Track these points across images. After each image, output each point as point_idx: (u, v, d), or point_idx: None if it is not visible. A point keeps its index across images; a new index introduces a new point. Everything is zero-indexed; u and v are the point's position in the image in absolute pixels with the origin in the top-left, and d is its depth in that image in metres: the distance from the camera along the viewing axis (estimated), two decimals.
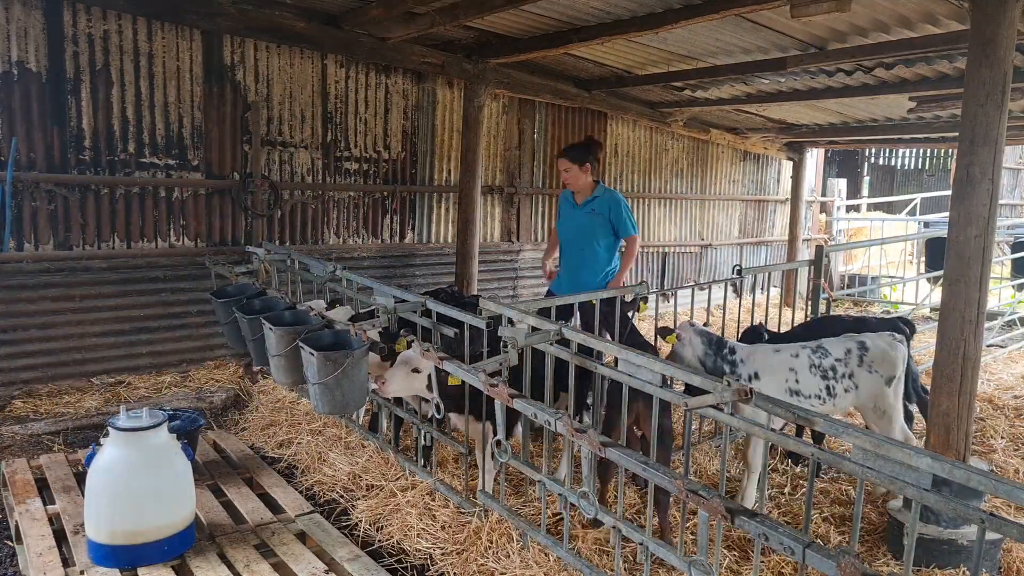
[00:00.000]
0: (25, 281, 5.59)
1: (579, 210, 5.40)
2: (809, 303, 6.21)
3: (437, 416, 3.90)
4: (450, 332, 3.96)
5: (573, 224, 5.45)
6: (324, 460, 4.57)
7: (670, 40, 6.40)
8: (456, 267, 7.67)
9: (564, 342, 3.39)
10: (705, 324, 4.47)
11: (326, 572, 3.19)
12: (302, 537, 3.52)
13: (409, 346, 3.86)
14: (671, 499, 3.61)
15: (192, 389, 5.94)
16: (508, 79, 7.73)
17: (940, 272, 4.20)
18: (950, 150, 16.12)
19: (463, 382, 3.61)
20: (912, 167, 22.26)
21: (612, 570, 3.20)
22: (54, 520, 3.55)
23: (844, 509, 4.12)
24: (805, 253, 11.83)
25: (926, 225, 13.42)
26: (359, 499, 4.08)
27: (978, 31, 3.43)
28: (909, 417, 4.45)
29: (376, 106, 7.39)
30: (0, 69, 5.38)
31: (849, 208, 15.26)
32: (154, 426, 3.19)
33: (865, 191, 20.41)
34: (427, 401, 4.09)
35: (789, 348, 4.08)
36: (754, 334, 4.67)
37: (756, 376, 3.95)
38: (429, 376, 3.84)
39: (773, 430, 2.67)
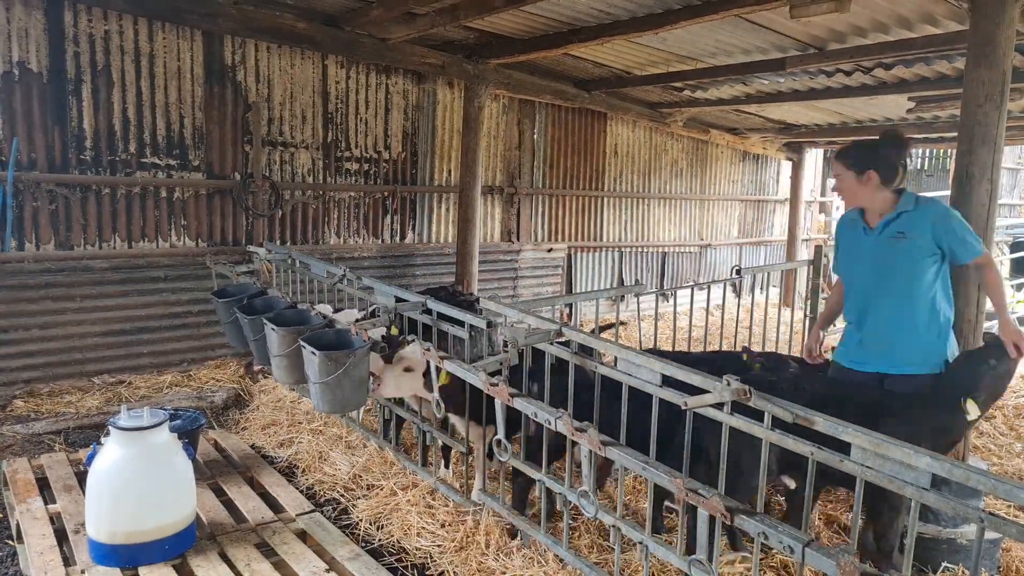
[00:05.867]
0: (26, 281, 5.60)
1: (874, 236, 3.50)
2: (808, 303, 6.22)
3: (438, 415, 3.91)
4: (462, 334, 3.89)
5: (868, 259, 3.52)
6: (325, 459, 4.58)
7: (670, 41, 6.41)
8: (456, 267, 7.69)
9: (563, 341, 3.39)
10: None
11: (327, 571, 3.19)
12: (303, 536, 3.53)
13: (407, 344, 3.87)
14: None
15: (193, 388, 5.95)
16: (508, 80, 7.74)
17: None
18: (950, 150, 16.12)
19: (464, 385, 3.62)
20: (912, 167, 22.30)
21: (611, 571, 3.21)
22: (55, 519, 3.56)
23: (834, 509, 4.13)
24: (804, 253, 11.84)
25: None
26: (359, 498, 4.09)
27: (977, 31, 3.44)
28: None
29: (376, 106, 7.40)
30: (1, 69, 5.39)
31: None
32: (155, 425, 3.19)
33: None
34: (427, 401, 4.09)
35: None
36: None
37: None
38: (426, 375, 3.83)
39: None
